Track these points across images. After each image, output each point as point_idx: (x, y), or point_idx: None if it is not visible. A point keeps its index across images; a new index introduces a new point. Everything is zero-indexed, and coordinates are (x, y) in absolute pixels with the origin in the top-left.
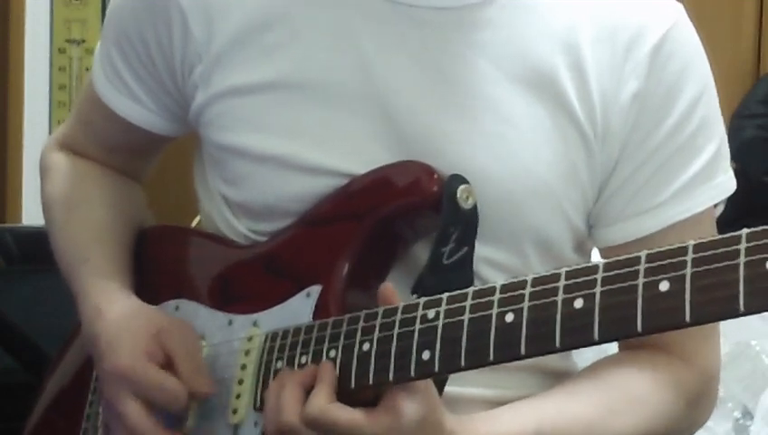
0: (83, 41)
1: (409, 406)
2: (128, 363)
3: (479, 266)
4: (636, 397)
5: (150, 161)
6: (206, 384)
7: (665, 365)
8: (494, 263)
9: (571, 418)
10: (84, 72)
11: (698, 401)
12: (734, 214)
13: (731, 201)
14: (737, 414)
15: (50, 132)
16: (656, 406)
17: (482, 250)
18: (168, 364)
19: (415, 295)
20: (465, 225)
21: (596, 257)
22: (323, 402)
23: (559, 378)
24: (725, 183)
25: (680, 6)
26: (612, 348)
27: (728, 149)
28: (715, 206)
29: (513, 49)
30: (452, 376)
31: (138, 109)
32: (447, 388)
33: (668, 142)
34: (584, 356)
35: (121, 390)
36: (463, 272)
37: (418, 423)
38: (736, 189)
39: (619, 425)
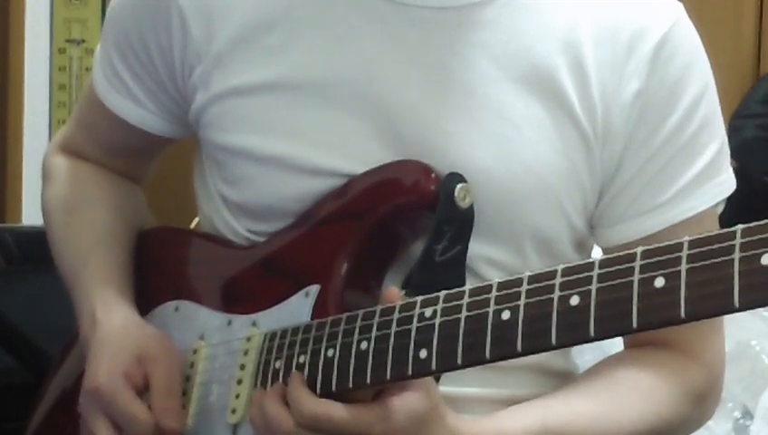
0: (83, 41)
1: (409, 399)
2: (103, 381)
3: (478, 265)
4: (642, 392)
5: (151, 164)
6: (176, 422)
7: (671, 362)
8: (493, 262)
9: (577, 412)
10: (84, 72)
11: (704, 398)
12: (733, 214)
13: (730, 201)
14: (737, 414)
15: (50, 132)
16: (662, 401)
17: (481, 249)
18: (145, 389)
19: (404, 292)
20: (460, 223)
21: (596, 256)
22: (311, 398)
23: (557, 377)
24: (727, 181)
25: (680, 6)
26: (614, 349)
27: (728, 148)
28: (716, 205)
29: (513, 48)
30: (450, 375)
31: (137, 110)
32: (445, 387)
33: (672, 141)
34: (584, 358)
35: (94, 406)
36: (455, 270)
37: (419, 416)
38: (736, 190)
39: (626, 419)
